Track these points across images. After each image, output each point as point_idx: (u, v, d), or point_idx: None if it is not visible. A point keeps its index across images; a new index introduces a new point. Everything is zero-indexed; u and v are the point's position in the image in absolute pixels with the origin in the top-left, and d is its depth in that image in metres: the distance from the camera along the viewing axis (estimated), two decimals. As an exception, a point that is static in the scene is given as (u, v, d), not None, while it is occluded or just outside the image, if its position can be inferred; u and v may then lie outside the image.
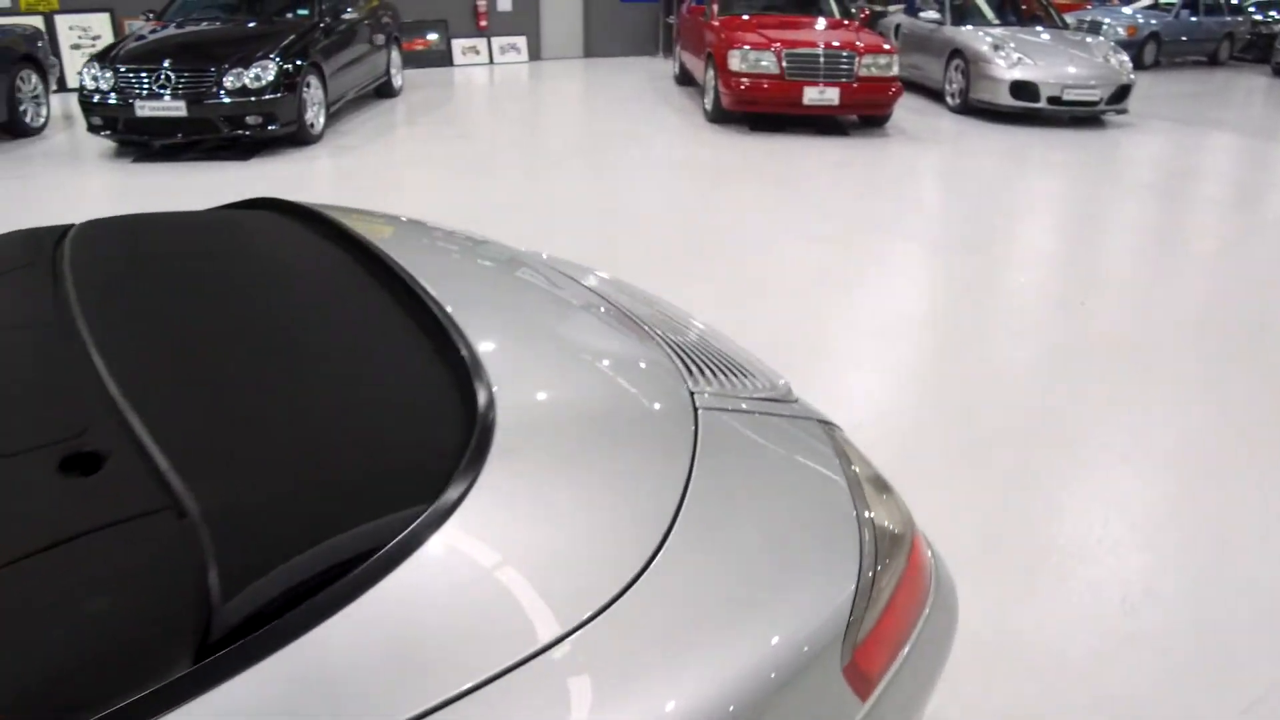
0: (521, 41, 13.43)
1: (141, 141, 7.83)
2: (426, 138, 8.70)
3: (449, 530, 0.96)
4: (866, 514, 1.29)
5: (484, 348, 1.34)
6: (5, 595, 0.82)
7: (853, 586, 1.14)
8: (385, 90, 10.41)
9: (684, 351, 1.63)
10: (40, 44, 9.00)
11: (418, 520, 0.96)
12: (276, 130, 7.74)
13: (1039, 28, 11.13)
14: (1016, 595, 2.54)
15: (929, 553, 1.41)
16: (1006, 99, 9.95)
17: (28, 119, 8.59)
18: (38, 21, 10.57)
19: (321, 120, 8.33)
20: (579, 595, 0.95)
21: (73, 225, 1.79)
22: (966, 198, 6.87)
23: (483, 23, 13.25)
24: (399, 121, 9.49)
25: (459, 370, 1.27)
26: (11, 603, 0.82)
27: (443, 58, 13.13)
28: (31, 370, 1.24)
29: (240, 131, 7.66)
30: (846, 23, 10.09)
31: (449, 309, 1.44)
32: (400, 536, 0.94)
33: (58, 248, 1.65)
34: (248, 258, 1.74)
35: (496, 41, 13.34)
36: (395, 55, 10.64)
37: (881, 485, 1.45)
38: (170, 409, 1.12)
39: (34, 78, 8.73)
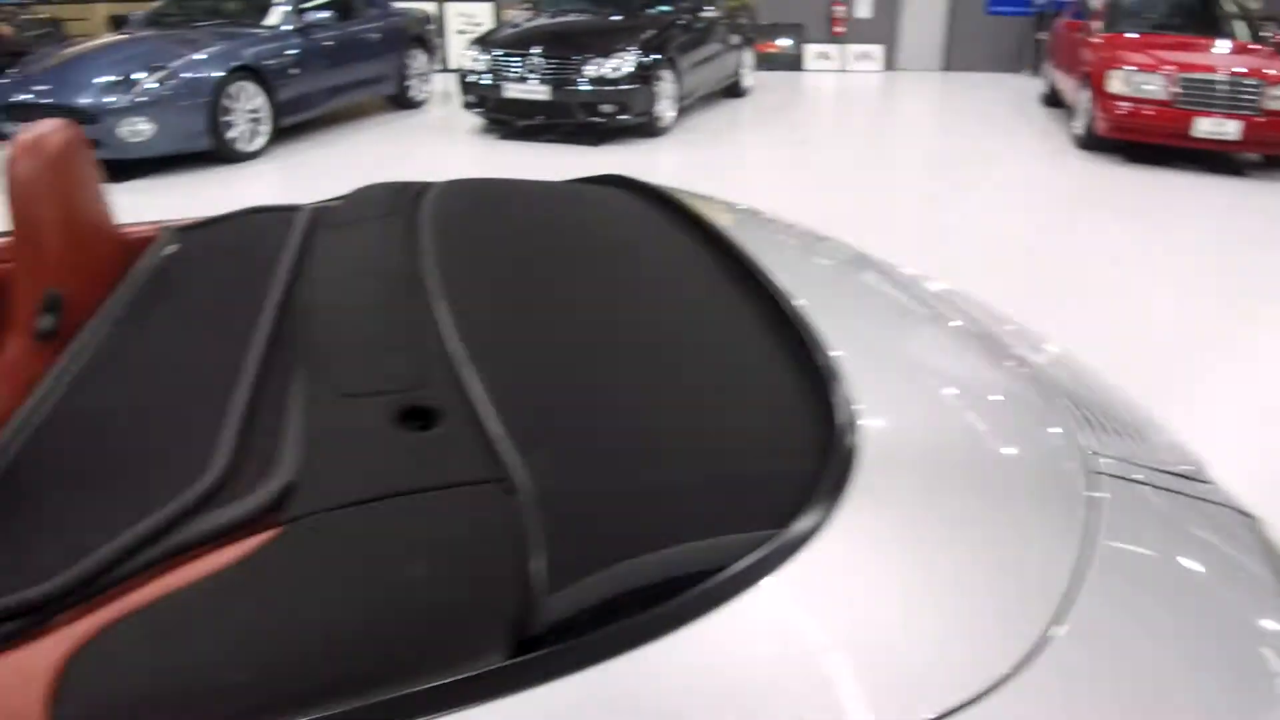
0: (877, 50, 13.04)
1: (506, 120, 8.36)
2: (771, 141, 8.61)
3: (798, 566, 0.84)
4: None
5: (841, 358, 1.16)
6: (326, 541, 0.80)
7: None
8: (734, 90, 10.45)
9: (1073, 397, 1.34)
10: (430, 27, 9.91)
11: (766, 548, 0.85)
12: (628, 120, 7.96)
13: None
14: None
15: None
16: None
17: (411, 94, 9.46)
18: (431, 7, 11.61)
19: (671, 114, 8.46)
20: (936, 680, 0.78)
21: (433, 183, 1.81)
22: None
23: (838, 29, 13.00)
24: (744, 122, 9.48)
25: (814, 380, 1.12)
26: (329, 550, 0.79)
27: (793, 62, 13.02)
28: (378, 315, 1.21)
29: (594, 118, 7.95)
30: (1255, 47, 8.83)
31: (802, 308, 1.28)
32: (746, 562, 0.83)
33: (418, 201, 1.67)
34: (598, 231, 1.69)
35: (850, 49, 13.04)
36: (748, 56, 10.65)
37: None
38: (509, 376, 1.05)
39: (421, 57, 9.61)
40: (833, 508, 0.90)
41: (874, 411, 1.06)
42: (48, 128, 1.61)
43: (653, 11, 9.02)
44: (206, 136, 6.95)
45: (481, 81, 8.16)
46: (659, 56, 8.16)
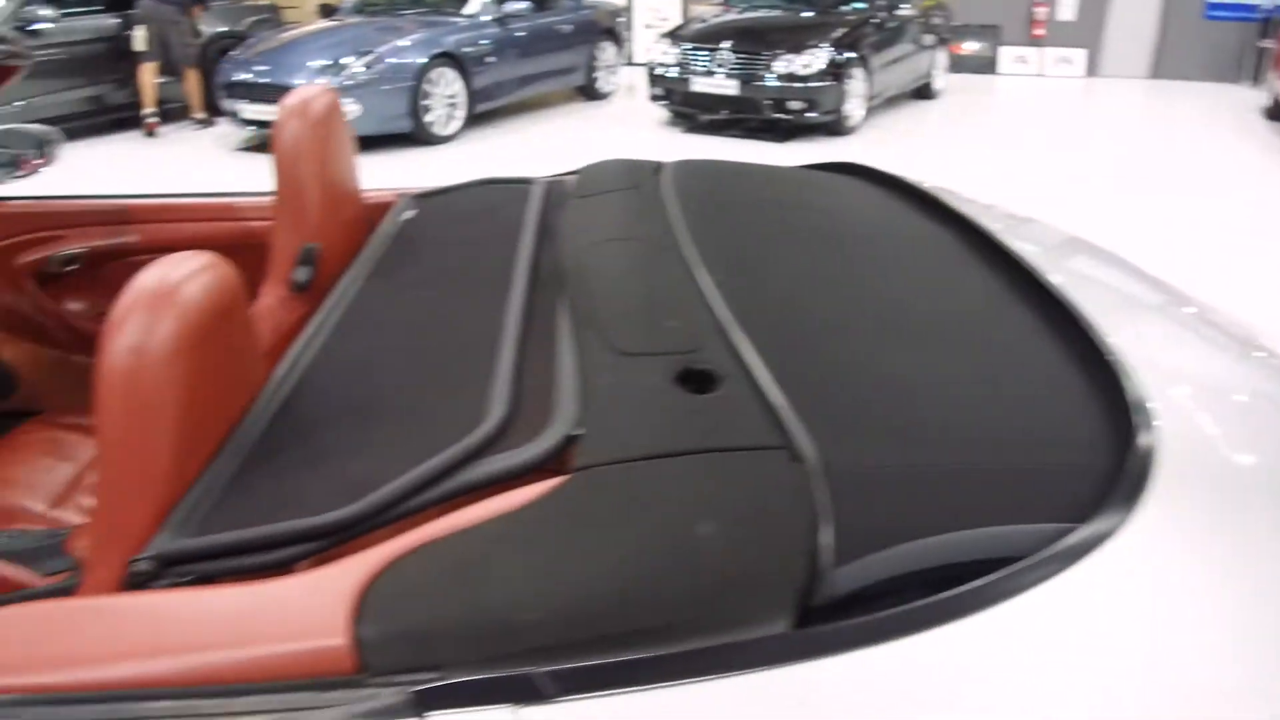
0: (1079, 55, 12.37)
1: (690, 114, 8.36)
2: (964, 147, 8.27)
3: (1092, 565, 0.79)
4: None
5: (1124, 350, 1.10)
6: (615, 493, 0.81)
7: None
8: (924, 92, 10.11)
9: None
10: (620, 20, 10.02)
11: (1064, 542, 0.80)
12: (815, 118, 7.82)
13: None
14: None
15: None
16: None
17: (599, 85, 9.58)
18: (620, 1, 11.73)
19: (860, 113, 8.26)
20: (1225, 703, 0.72)
21: (665, 161, 1.81)
22: None
23: (1038, 31, 12.41)
24: (935, 126, 9.16)
25: (1101, 372, 1.07)
26: (619, 501, 0.80)
27: (987, 64, 12.51)
28: (644, 280, 1.22)
29: (781, 115, 7.84)
30: None
31: (1076, 299, 1.22)
32: (1044, 555, 0.79)
33: (656, 176, 1.68)
34: (846, 212, 1.66)
35: (1050, 52, 12.43)
36: (941, 57, 10.30)
37: None
38: (782, 346, 1.04)
39: (611, 49, 9.73)
40: (1131, 507, 0.85)
41: (1168, 409, 1.00)
42: (313, 92, 1.66)
43: (846, 8, 8.84)
44: (407, 119, 7.22)
45: (669, 74, 8.19)
46: (851, 54, 7.98)
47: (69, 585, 1.61)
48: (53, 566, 1.64)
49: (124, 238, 2.29)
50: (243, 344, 1.05)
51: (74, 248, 2.30)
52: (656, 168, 1.75)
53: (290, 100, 1.67)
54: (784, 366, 0.98)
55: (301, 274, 1.66)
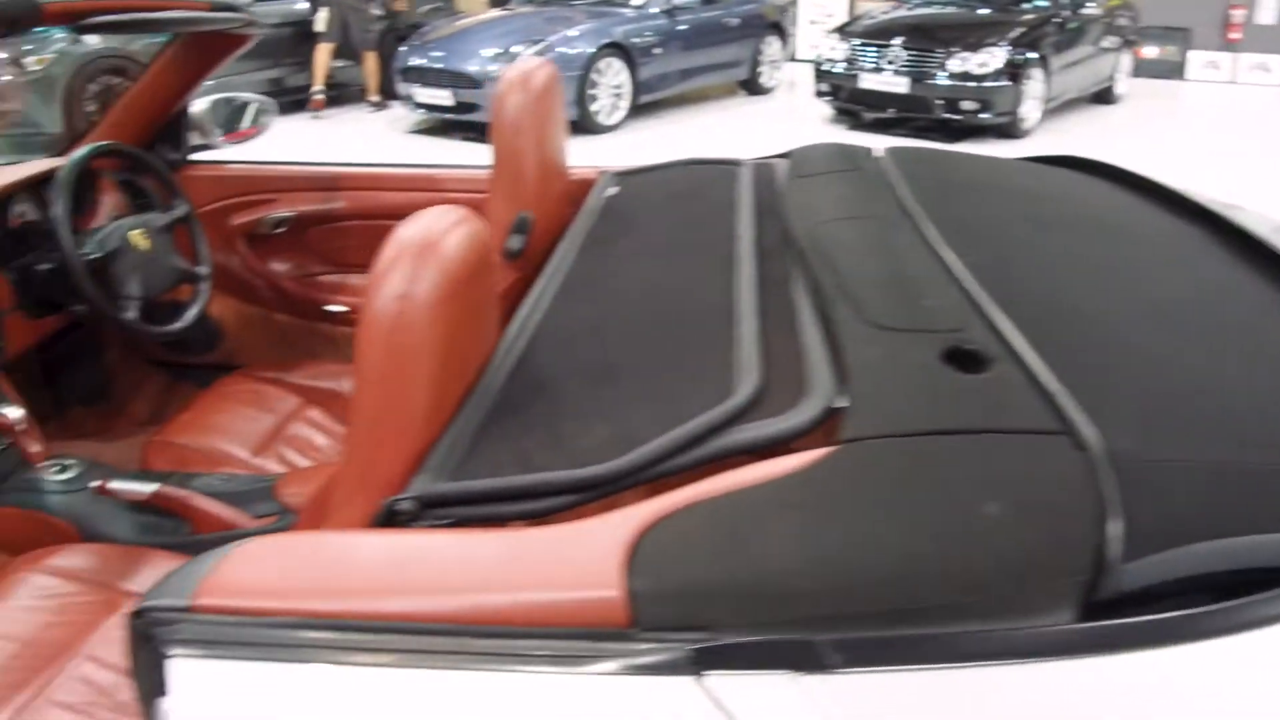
0: (1278, 62, 11.55)
1: (854, 112, 8.19)
2: (1145, 155, 7.81)
3: None
4: None
5: None
6: (889, 467, 0.79)
7: None
8: (1104, 96, 9.62)
9: None
10: (787, 15, 9.92)
11: None
12: (988, 119, 7.55)
13: None
14: None
15: None
16: None
17: (762, 80, 9.50)
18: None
19: (1035, 116, 7.92)
20: None
21: (875, 148, 1.79)
22: None
23: (1234, 35, 11.63)
24: (1114, 132, 8.69)
25: None
26: (894, 476, 0.78)
27: (1173, 70, 11.81)
28: (890, 256, 1.18)
29: (952, 115, 7.60)
30: None
31: None
32: None
33: (874, 161, 1.66)
34: (1084, 201, 1.60)
35: (1245, 58, 11.64)
36: (1124, 60, 9.78)
37: None
38: (1046, 329, 0.99)
39: (775, 44, 9.63)
40: None
41: None
42: (533, 65, 1.68)
43: (1026, 6, 8.50)
44: (574, 107, 7.32)
45: (836, 70, 8.05)
46: (1031, 54, 7.66)
47: (282, 528, 1.68)
48: (262, 510, 1.70)
49: (331, 204, 2.38)
50: (489, 299, 1.06)
51: (284, 211, 2.39)
52: (868, 152, 1.72)
53: (512, 73, 1.69)
54: (1052, 351, 0.93)
55: (515, 242, 1.69)
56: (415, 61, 7.62)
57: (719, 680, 0.64)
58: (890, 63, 7.78)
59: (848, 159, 1.65)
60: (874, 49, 7.89)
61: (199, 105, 2.34)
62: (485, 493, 0.83)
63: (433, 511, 0.83)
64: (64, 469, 1.85)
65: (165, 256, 2.07)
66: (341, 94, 8.44)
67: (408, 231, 0.95)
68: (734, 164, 1.79)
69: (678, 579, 0.69)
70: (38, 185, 2.07)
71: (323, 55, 8.14)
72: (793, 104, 9.31)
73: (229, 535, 1.66)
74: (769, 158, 1.85)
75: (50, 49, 7.31)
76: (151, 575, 1.51)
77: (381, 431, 0.90)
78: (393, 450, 0.90)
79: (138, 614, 0.70)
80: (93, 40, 7.48)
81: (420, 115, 7.82)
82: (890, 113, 7.93)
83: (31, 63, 7.44)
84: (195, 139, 2.38)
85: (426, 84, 7.47)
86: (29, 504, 1.79)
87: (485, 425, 0.95)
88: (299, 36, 8.20)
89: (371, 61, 8.39)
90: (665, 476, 0.82)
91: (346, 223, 2.39)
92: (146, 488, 1.70)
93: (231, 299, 2.49)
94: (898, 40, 7.85)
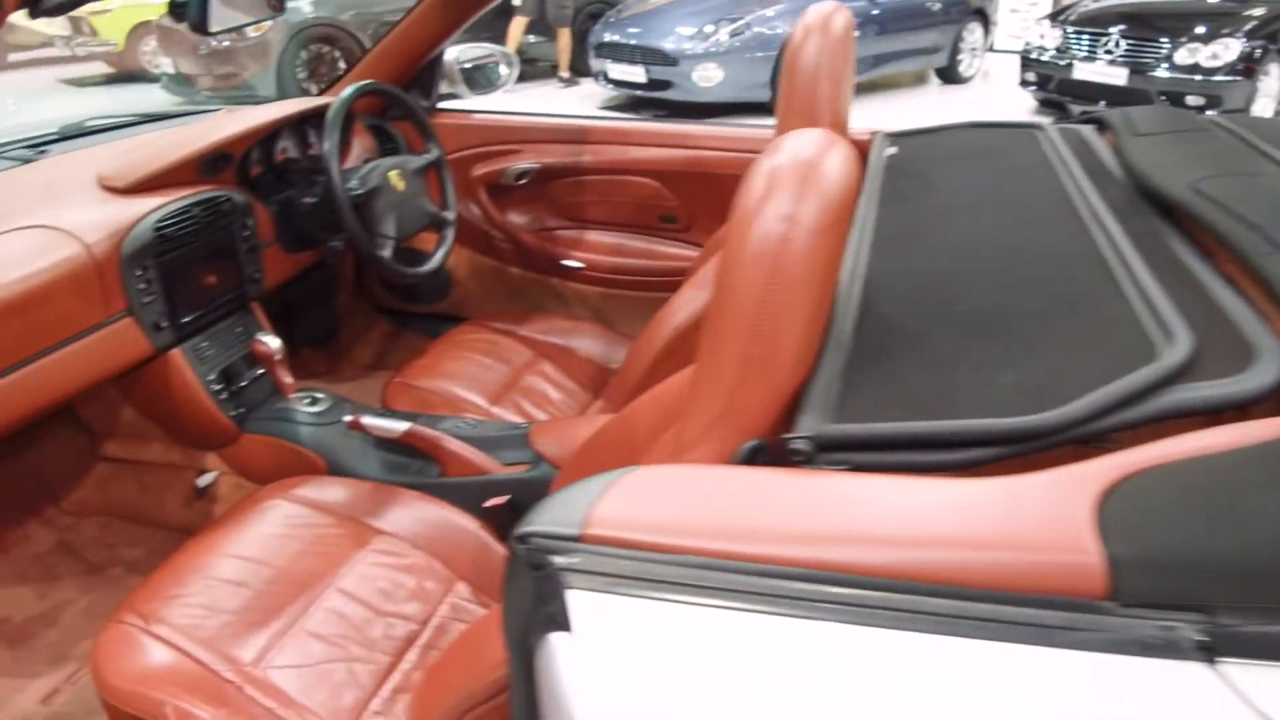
0: None
1: (1060, 104, 7.73)
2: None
3: None
4: None
5: None
6: None
7: None
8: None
9: None
10: (992, 2, 9.45)
11: None
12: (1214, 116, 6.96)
13: None
14: None
15: None
16: None
17: (961, 69, 9.09)
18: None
19: (1268, 116, 7.28)
20: None
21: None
22: None
23: None
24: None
25: None
26: None
27: None
28: None
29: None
30: None
31: None
32: None
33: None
34: None
35: None
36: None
37: None
38: None
39: (978, 31, 9.20)
40: None
41: None
42: (830, 7, 1.57)
43: (1260, -4, 7.81)
44: (767, 88, 7.19)
45: (1045, 58, 7.61)
46: (1270, 47, 7.02)
47: (537, 477, 1.64)
48: (513, 457, 1.67)
49: (575, 157, 2.34)
50: (845, 235, 0.96)
51: (527, 162, 2.37)
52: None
53: (811, 16, 1.59)
54: None
55: None
56: (610, 37, 7.64)
57: (1236, 670, 0.54)
58: (1108, 52, 7.29)
59: (1178, 119, 1.50)
60: (1089, 37, 7.42)
61: (450, 54, 2.34)
62: (897, 437, 0.75)
63: (828, 455, 0.74)
64: (314, 401, 1.87)
65: (417, 199, 2.07)
66: (532, 69, 8.55)
67: (783, 154, 0.86)
68: (1033, 126, 1.69)
69: (1155, 548, 0.60)
70: (298, 124, 2.10)
71: (516, 29, 8.27)
72: (994, 95, 8.88)
73: (482, 481, 1.64)
74: (1067, 124, 1.73)
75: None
76: (401, 513, 1.50)
77: (750, 367, 0.82)
78: (762, 387, 0.82)
79: (521, 539, 0.64)
80: (306, 9, 7.82)
81: (610, 91, 7.84)
82: (1102, 105, 7.44)
83: (250, 29, 7.86)
84: (443, 87, 2.38)
85: (619, 60, 7.47)
86: (281, 433, 1.82)
87: (849, 369, 0.86)
88: (494, 10, 8.33)
89: (565, 38, 8.47)
90: (1101, 435, 0.73)
91: (590, 177, 2.35)
92: (399, 426, 1.69)
93: (465, 249, 2.49)
94: (1117, 28, 7.34)
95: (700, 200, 2.28)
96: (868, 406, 0.80)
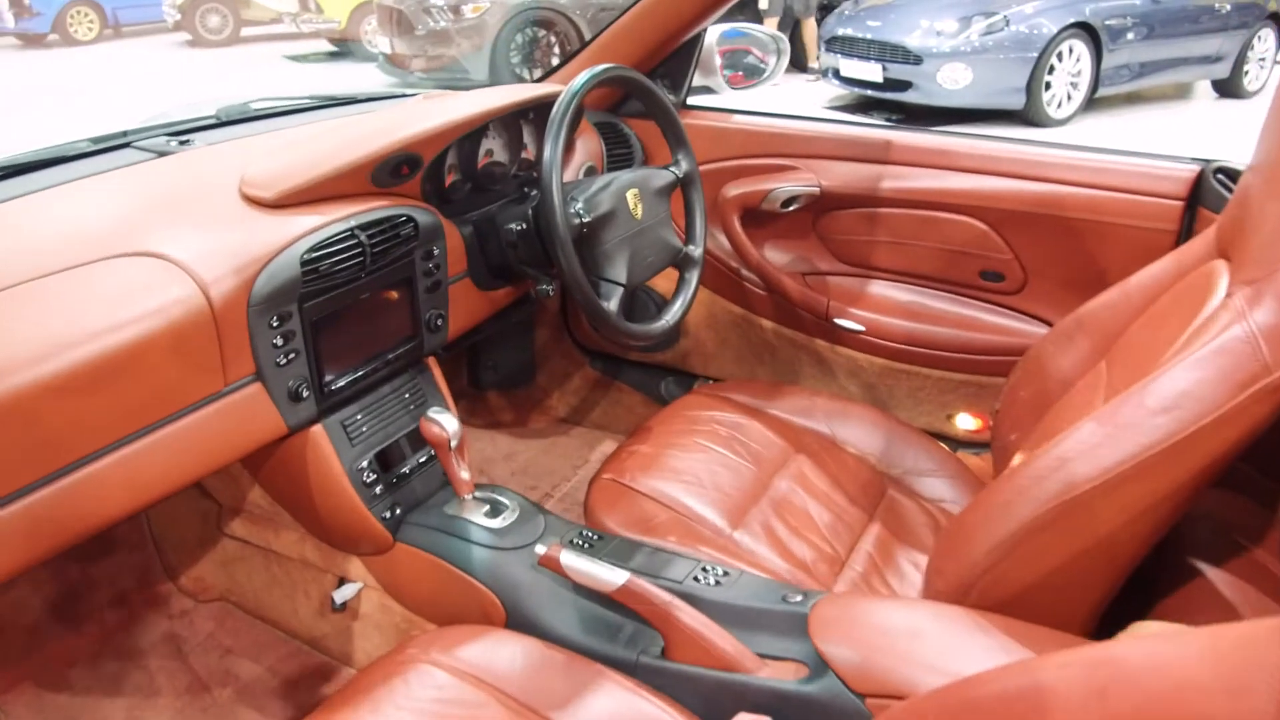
0: None
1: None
2: None
3: None
4: None
5: None
6: None
7: None
8: None
9: None
10: (1290, 4, 8.15)
11: None
12: None
13: None
14: None
15: None
16: None
17: (1245, 81, 7.85)
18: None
19: None
20: None
21: None
22: None
23: None
24: None
25: None
26: None
27: None
28: None
29: None
30: None
31: None
32: None
33: None
34: None
35: None
36: None
37: None
38: None
39: (1271, 39, 7.92)
40: None
41: None
42: None
43: None
44: (1021, 94, 6.33)
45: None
46: None
47: (821, 693, 1.06)
48: (779, 649, 1.09)
49: (868, 181, 1.74)
50: None
51: (800, 184, 1.79)
52: None
53: None
54: None
55: None
56: (845, 31, 6.93)
57: None
58: None
59: None
60: None
61: (710, 35, 1.79)
62: None
63: None
64: (497, 510, 1.35)
65: (658, 230, 1.52)
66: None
67: None
68: None
69: None
70: (512, 118, 1.59)
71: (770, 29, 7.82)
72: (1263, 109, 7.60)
73: (727, 681, 1.06)
74: None
75: (488, -4, 7.45)
76: (600, 704, 0.98)
77: None
78: None
79: None
80: (525, -11, 7.55)
81: (841, 90, 7.14)
82: None
83: (468, 10, 7.64)
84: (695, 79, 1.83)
85: (852, 55, 6.76)
86: (447, 554, 1.30)
87: None
88: (738, 7, 7.86)
89: (811, 28, 7.99)
90: None
91: (886, 210, 1.75)
92: (615, 578, 1.14)
93: (703, 288, 1.94)
94: None
95: (1041, 252, 1.64)
96: None
